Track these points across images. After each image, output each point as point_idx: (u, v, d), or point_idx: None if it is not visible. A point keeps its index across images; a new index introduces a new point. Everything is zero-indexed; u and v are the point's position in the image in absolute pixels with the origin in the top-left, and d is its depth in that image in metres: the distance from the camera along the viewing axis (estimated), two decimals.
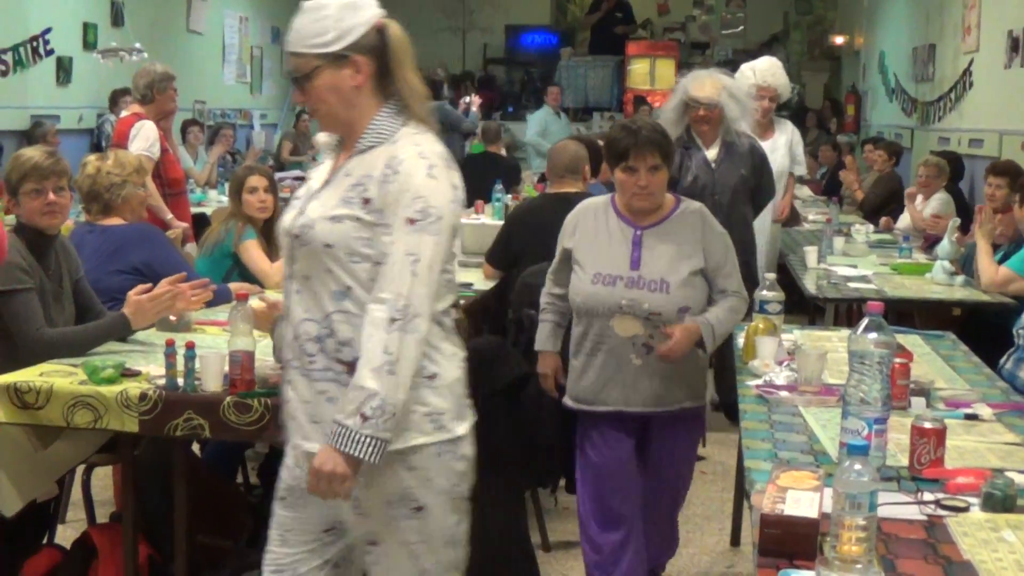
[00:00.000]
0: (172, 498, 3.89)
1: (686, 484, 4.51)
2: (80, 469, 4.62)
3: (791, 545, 2.42)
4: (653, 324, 4.07)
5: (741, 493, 4.95)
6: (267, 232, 5.68)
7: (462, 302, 4.58)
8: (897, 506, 2.75)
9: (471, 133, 12.57)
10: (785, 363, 4.12)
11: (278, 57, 17.43)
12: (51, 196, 4.24)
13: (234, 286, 5.05)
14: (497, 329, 5.76)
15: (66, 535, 4.66)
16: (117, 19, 12.12)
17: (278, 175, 9.27)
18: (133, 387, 3.76)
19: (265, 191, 5.71)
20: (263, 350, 4.00)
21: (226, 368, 3.75)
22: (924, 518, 2.70)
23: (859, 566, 2.17)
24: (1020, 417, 3.61)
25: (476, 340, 4.27)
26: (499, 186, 8.69)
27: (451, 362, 2.90)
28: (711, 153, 6.44)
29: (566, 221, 4.36)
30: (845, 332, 4.39)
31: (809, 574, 2.25)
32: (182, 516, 3.90)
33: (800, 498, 2.54)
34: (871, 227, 9.06)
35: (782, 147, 7.85)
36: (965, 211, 8.22)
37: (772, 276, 4.63)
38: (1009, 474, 2.88)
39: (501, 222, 6.85)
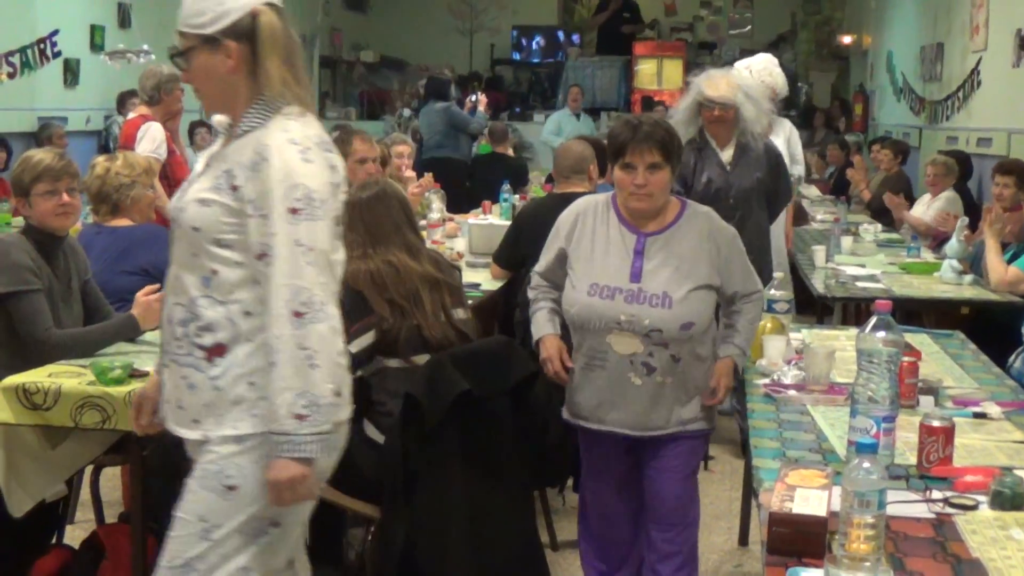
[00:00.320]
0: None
1: (689, 511, 4.09)
2: (89, 469, 4.63)
3: (800, 543, 2.42)
4: (653, 341, 3.81)
5: (749, 492, 4.94)
6: None
7: (470, 302, 4.56)
8: (906, 504, 2.75)
9: (479, 133, 12.57)
10: (793, 362, 4.11)
11: None
12: (65, 197, 4.26)
13: None
14: (505, 329, 5.76)
15: (75, 535, 4.67)
16: (124, 21, 12.13)
17: None
18: (141, 387, 3.75)
19: None
20: None
21: None
22: (933, 516, 2.70)
23: (868, 564, 2.17)
24: None
25: (484, 340, 4.26)
26: (506, 186, 8.69)
27: None
28: (726, 155, 6.21)
29: (562, 218, 4.07)
30: (853, 331, 4.39)
31: (818, 572, 2.25)
32: None
33: (809, 496, 2.54)
34: (879, 226, 9.05)
35: (780, 147, 7.53)
36: (973, 210, 8.20)
37: (780, 275, 4.63)
38: (1018, 472, 2.88)
39: (508, 222, 6.84)
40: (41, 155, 4.39)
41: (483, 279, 6.09)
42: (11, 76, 10.26)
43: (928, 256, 7.55)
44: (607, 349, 3.86)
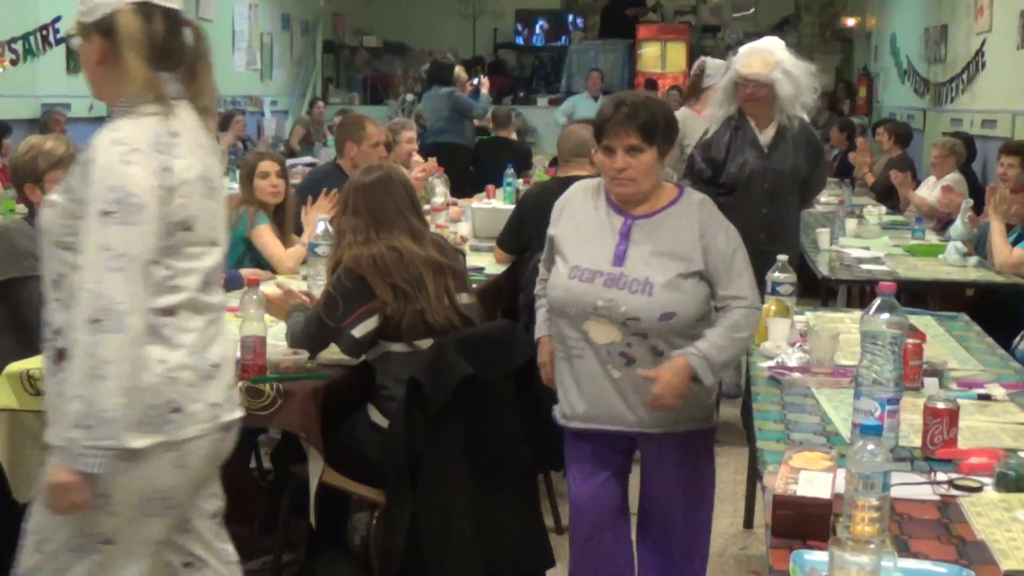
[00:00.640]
0: None
1: (696, 521, 3.84)
2: None
3: (804, 526, 2.41)
4: (631, 331, 3.54)
5: (754, 474, 4.94)
6: (279, 218, 5.69)
7: (474, 286, 4.56)
8: (910, 486, 2.74)
9: (482, 117, 12.54)
10: (797, 344, 4.10)
11: (288, 44, 17.42)
12: None
13: (245, 272, 5.05)
14: (509, 313, 5.75)
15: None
16: None
17: (289, 161, 9.27)
18: None
19: (277, 176, 5.71)
20: (275, 335, 4.01)
21: (238, 354, 3.75)
22: (937, 498, 2.70)
23: (872, 546, 2.16)
24: None
25: (487, 324, 4.26)
26: (510, 170, 8.68)
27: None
28: (764, 137, 6.04)
29: (556, 204, 3.85)
30: (857, 313, 4.38)
31: (822, 555, 2.25)
32: None
33: (813, 479, 2.54)
34: (884, 209, 9.04)
35: None
36: (978, 192, 8.19)
37: (784, 257, 4.61)
38: (1022, 454, 2.88)
39: (512, 206, 6.84)
40: (52, 142, 4.39)
41: (487, 263, 6.09)
42: (13, 63, 10.24)
43: (932, 238, 7.54)
44: (585, 337, 3.59)
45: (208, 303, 2.83)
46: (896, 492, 2.54)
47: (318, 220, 5.21)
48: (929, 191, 9.01)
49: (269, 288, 4.41)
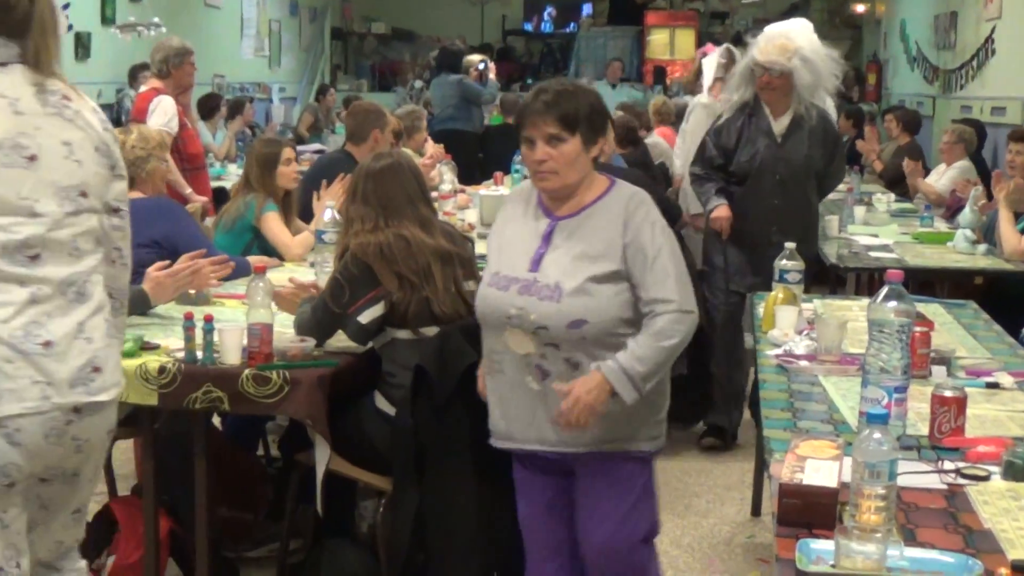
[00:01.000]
0: (193, 471, 3.90)
1: (634, 563, 3.45)
2: None
3: (810, 515, 2.41)
4: (543, 341, 3.26)
5: (761, 463, 4.94)
6: (285, 205, 5.68)
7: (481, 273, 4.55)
8: (917, 475, 2.74)
9: (491, 103, 12.52)
10: (805, 332, 4.10)
11: (296, 31, 17.41)
12: None
13: (252, 259, 5.05)
14: None
15: (88, 508, 4.67)
16: None
17: (298, 148, 9.27)
18: (152, 360, 3.77)
19: (295, 162, 5.75)
20: (282, 323, 4.01)
21: (244, 341, 3.76)
22: (944, 487, 2.69)
23: (878, 535, 2.16)
24: None
25: None
26: (518, 157, 8.67)
27: None
28: (779, 126, 5.85)
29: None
30: (865, 301, 4.37)
31: (828, 544, 2.24)
32: (203, 489, 3.91)
33: (819, 467, 2.53)
34: (893, 196, 9.01)
35: None
36: (988, 180, 8.16)
37: (791, 245, 4.60)
38: None
39: None
40: None
41: None
42: None
43: (941, 226, 7.52)
44: (504, 349, 3.33)
45: (25, 275, 2.72)
46: (903, 481, 2.54)
47: (325, 207, 5.21)
48: (938, 178, 8.99)
49: (278, 276, 4.41)
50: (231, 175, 10.02)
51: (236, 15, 15.00)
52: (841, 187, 9.58)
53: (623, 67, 15.84)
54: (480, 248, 5.76)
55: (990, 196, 7.03)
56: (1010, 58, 10.03)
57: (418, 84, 16.70)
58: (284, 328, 4.05)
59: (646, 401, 3.27)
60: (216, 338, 3.76)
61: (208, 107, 11.47)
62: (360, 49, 19.97)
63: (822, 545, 2.27)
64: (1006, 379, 3.60)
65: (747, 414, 6.34)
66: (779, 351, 3.93)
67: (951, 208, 8.12)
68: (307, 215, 5.79)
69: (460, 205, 7.35)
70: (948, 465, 2.81)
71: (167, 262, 4.36)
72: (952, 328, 4.39)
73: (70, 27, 10.83)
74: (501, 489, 3.74)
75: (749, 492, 5.35)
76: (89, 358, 2.79)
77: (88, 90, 11.12)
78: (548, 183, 3.32)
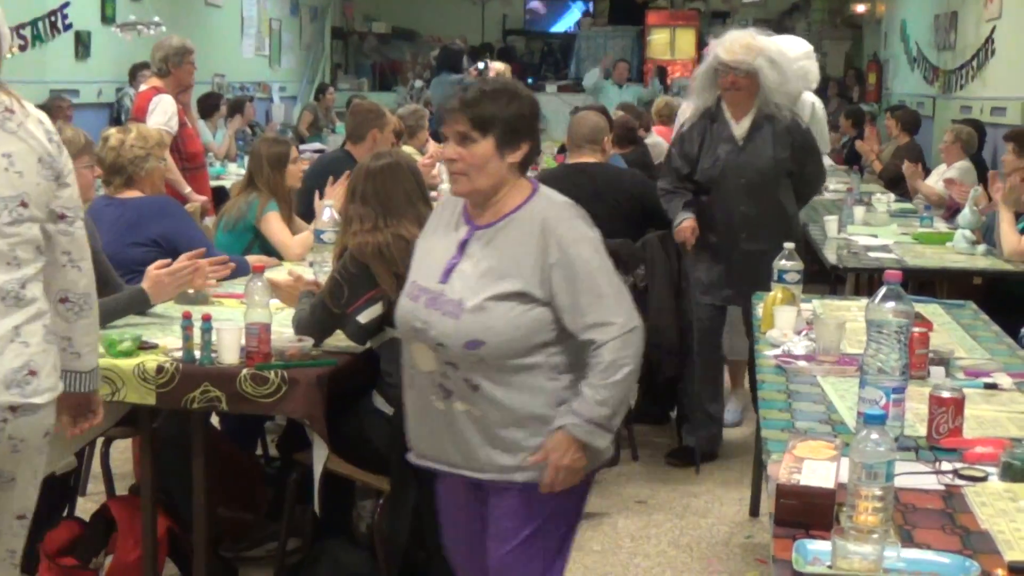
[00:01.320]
0: (191, 470, 3.90)
1: None
2: (99, 442, 4.65)
3: (807, 515, 2.40)
4: (442, 359, 3.04)
5: (760, 463, 4.94)
6: (285, 204, 5.68)
7: None
8: (915, 476, 2.74)
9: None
10: (804, 333, 4.09)
11: (297, 30, 17.42)
12: (97, 170, 4.35)
13: (251, 259, 5.05)
14: None
15: (86, 508, 4.69)
16: None
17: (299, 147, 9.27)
18: (150, 360, 3.77)
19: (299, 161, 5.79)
20: (280, 322, 4.01)
21: (243, 340, 3.76)
22: (942, 488, 2.69)
23: (876, 536, 2.16)
24: None
25: None
26: None
27: None
28: (739, 129, 5.65)
29: None
30: (864, 301, 4.37)
31: (825, 544, 2.24)
32: (201, 488, 3.91)
33: (816, 468, 2.53)
34: (892, 196, 9.01)
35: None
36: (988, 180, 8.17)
37: (791, 245, 4.60)
38: None
39: None
40: (71, 129, 4.41)
41: None
42: (22, 49, 10.23)
43: (941, 226, 7.52)
44: (414, 363, 3.15)
45: None
46: (900, 481, 2.54)
47: (324, 207, 5.21)
48: (938, 179, 8.99)
49: (277, 273, 4.41)
50: (231, 174, 10.03)
51: (237, 14, 15.01)
52: (841, 187, 9.63)
53: (629, 68, 15.84)
54: None
55: (990, 197, 7.02)
56: (1010, 58, 10.04)
57: (418, 84, 16.70)
58: (282, 328, 4.05)
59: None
60: (214, 337, 3.76)
61: (208, 106, 11.48)
62: (360, 48, 19.97)
63: (819, 546, 2.27)
64: (1004, 380, 3.59)
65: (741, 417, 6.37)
66: (778, 351, 3.93)
67: (951, 209, 8.12)
68: (308, 214, 5.78)
69: None
70: (946, 466, 2.80)
71: (167, 260, 4.36)
72: (951, 329, 4.39)
73: (70, 26, 10.83)
74: None
75: (747, 492, 5.35)
76: (25, 361, 2.90)
77: (88, 89, 11.19)
78: (457, 186, 3.12)
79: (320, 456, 3.83)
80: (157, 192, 5.12)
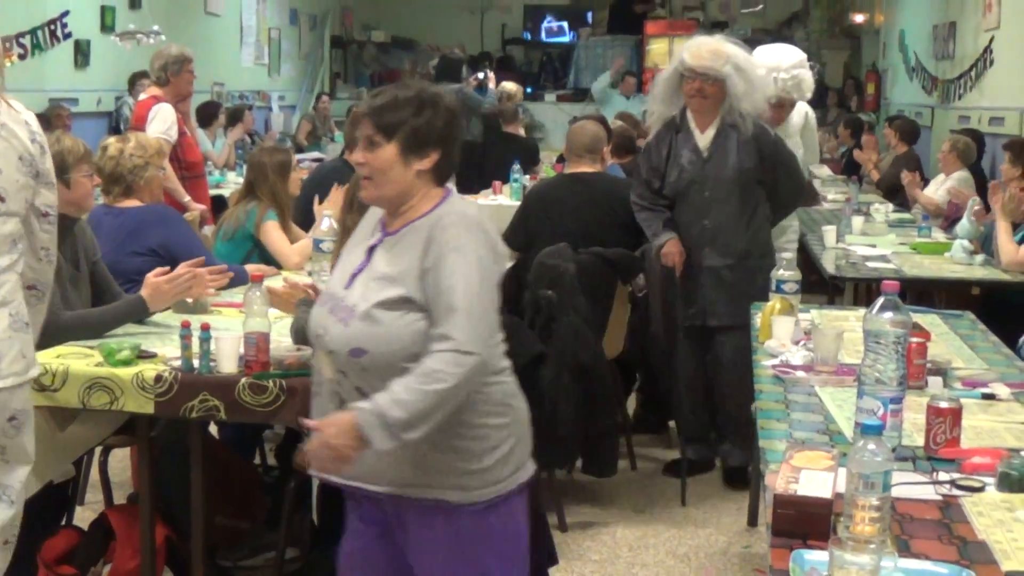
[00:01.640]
0: (189, 479, 3.90)
1: None
2: (97, 451, 4.65)
3: (805, 525, 2.41)
4: (335, 366, 2.97)
5: (758, 473, 4.94)
6: (283, 213, 5.69)
7: None
8: (912, 486, 2.74)
9: (491, 114, 12.52)
10: (802, 343, 4.10)
11: (296, 39, 17.43)
12: (96, 179, 4.39)
13: (250, 268, 5.06)
14: (514, 310, 5.75)
15: (84, 516, 4.69)
16: (135, 2, 12.10)
17: (297, 156, 9.27)
18: (149, 369, 3.76)
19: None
20: (279, 331, 4.01)
21: (241, 350, 3.76)
22: (939, 498, 2.69)
23: (873, 546, 2.16)
24: None
25: None
26: (517, 167, 8.68)
27: None
28: (704, 139, 5.43)
29: None
30: (862, 312, 4.38)
31: (822, 554, 2.24)
32: (199, 497, 3.92)
33: (814, 478, 2.53)
34: (891, 206, 9.03)
35: (793, 135, 6.52)
36: (987, 190, 8.17)
37: (789, 255, 4.61)
38: None
39: (518, 203, 6.84)
40: (69, 139, 4.42)
41: None
42: (21, 57, 10.25)
43: (939, 236, 7.53)
44: (319, 370, 3.06)
45: None
46: (898, 492, 2.54)
47: (323, 216, 5.21)
48: (936, 189, 9.00)
49: (275, 282, 4.41)
50: (230, 183, 10.05)
51: (236, 23, 15.03)
52: (839, 197, 9.64)
53: (636, 80, 15.88)
54: None
55: (988, 207, 7.03)
56: (1009, 68, 10.04)
57: None
58: (281, 337, 4.05)
59: (445, 446, 2.89)
60: (213, 347, 3.76)
61: (206, 115, 11.49)
62: (360, 57, 19.98)
63: (816, 556, 2.27)
64: (1002, 390, 3.60)
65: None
66: (775, 361, 3.93)
67: (949, 218, 8.14)
68: (306, 223, 5.79)
69: None
70: (943, 476, 2.81)
71: (166, 268, 4.37)
72: (949, 339, 4.39)
73: (69, 35, 10.85)
74: None
75: (745, 502, 5.35)
76: None
77: (88, 97, 11.21)
78: (364, 192, 3.04)
79: None
80: (156, 201, 5.13)
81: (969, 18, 11.51)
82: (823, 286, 6.92)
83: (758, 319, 4.45)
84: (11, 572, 3.35)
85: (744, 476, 5.64)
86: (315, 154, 12.19)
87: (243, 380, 3.69)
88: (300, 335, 3.99)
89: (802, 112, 6.71)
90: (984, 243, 6.71)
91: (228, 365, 3.75)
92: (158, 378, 3.72)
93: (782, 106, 6.16)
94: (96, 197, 5.19)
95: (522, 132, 11.78)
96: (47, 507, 4.25)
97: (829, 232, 7.17)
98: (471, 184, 9.59)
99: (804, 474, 2.56)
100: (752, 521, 5.26)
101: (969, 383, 3.70)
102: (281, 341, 3.99)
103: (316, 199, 5.72)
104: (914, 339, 3.46)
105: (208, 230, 6.62)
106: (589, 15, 19.85)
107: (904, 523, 2.52)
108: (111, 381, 3.73)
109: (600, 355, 5.24)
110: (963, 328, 4.61)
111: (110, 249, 4.69)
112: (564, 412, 4.92)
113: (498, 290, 2.96)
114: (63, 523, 4.45)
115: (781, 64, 6.06)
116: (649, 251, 5.68)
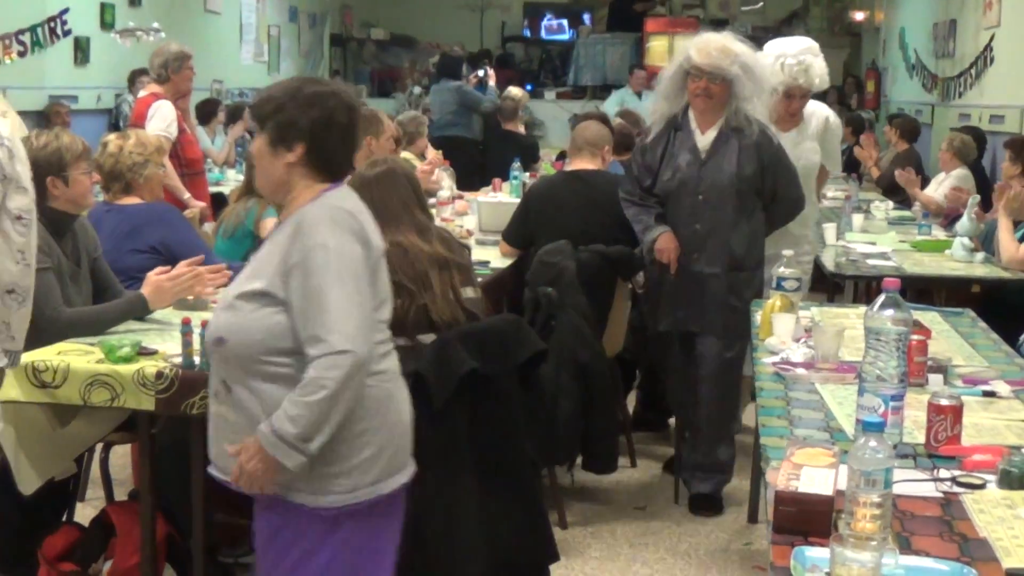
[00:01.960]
0: (190, 476, 3.90)
1: None
2: (98, 447, 4.65)
3: (806, 522, 2.41)
4: (211, 358, 3.03)
5: (758, 470, 4.94)
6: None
7: (479, 280, 4.56)
8: (913, 483, 2.74)
9: (491, 112, 12.53)
10: (802, 340, 4.10)
11: (296, 36, 17.42)
12: (95, 176, 4.39)
13: None
14: (514, 307, 5.76)
15: (85, 513, 4.68)
16: None
17: None
18: (150, 366, 3.77)
19: None
20: None
21: None
22: (940, 495, 2.69)
23: (874, 543, 2.16)
24: None
25: (492, 319, 4.25)
26: (517, 164, 8.68)
27: None
28: (704, 140, 5.18)
29: None
30: (863, 309, 4.37)
31: (823, 551, 2.24)
32: (200, 494, 3.91)
33: (815, 475, 2.53)
34: (891, 204, 9.03)
35: (811, 138, 6.05)
36: (987, 188, 8.18)
37: (789, 253, 4.60)
38: None
39: (518, 200, 6.84)
40: (68, 135, 4.41)
41: (492, 257, 6.09)
42: (21, 55, 10.24)
43: (939, 234, 7.52)
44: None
45: None
46: (899, 489, 2.54)
47: None
48: (937, 187, 9.00)
49: None
50: (230, 180, 10.04)
51: (235, 21, 15.02)
52: (839, 195, 9.63)
53: (647, 75, 15.83)
54: (477, 254, 5.78)
55: (989, 206, 7.03)
56: (1009, 66, 10.05)
57: (417, 90, 16.70)
58: None
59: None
60: None
61: (206, 112, 11.48)
62: (359, 55, 19.97)
63: (817, 553, 2.27)
64: (1003, 388, 3.60)
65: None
66: (776, 359, 3.94)
67: (949, 216, 8.14)
68: None
69: (458, 212, 7.36)
70: (944, 473, 2.81)
71: (167, 267, 4.37)
72: (949, 336, 4.39)
73: (69, 32, 10.85)
74: (500, 494, 3.75)
75: (746, 498, 5.35)
76: None
77: (88, 95, 11.20)
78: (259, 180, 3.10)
79: None
80: (156, 198, 5.13)
81: (969, 16, 11.51)
82: (823, 284, 6.92)
83: (758, 316, 4.44)
84: (12, 569, 3.36)
85: (711, 504, 5.40)
86: None
87: None
88: None
89: (822, 116, 6.22)
90: (984, 241, 6.70)
91: None
92: (159, 375, 3.72)
93: (792, 97, 5.77)
94: (96, 194, 5.20)
95: (522, 129, 11.77)
96: (48, 504, 4.25)
97: (829, 230, 7.17)
98: (471, 181, 9.60)
99: (805, 471, 2.56)
100: (753, 518, 5.27)
101: (970, 380, 3.70)
102: None
103: None
104: (915, 336, 3.46)
105: (208, 227, 6.62)
106: (588, 14, 19.82)
107: (905, 520, 2.52)
108: (112, 378, 3.73)
109: (600, 353, 5.24)
110: (963, 326, 4.61)
111: (110, 246, 4.69)
112: (564, 409, 4.92)
113: (375, 285, 2.95)
114: (64, 520, 4.45)
115: (788, 51, 5.74)
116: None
